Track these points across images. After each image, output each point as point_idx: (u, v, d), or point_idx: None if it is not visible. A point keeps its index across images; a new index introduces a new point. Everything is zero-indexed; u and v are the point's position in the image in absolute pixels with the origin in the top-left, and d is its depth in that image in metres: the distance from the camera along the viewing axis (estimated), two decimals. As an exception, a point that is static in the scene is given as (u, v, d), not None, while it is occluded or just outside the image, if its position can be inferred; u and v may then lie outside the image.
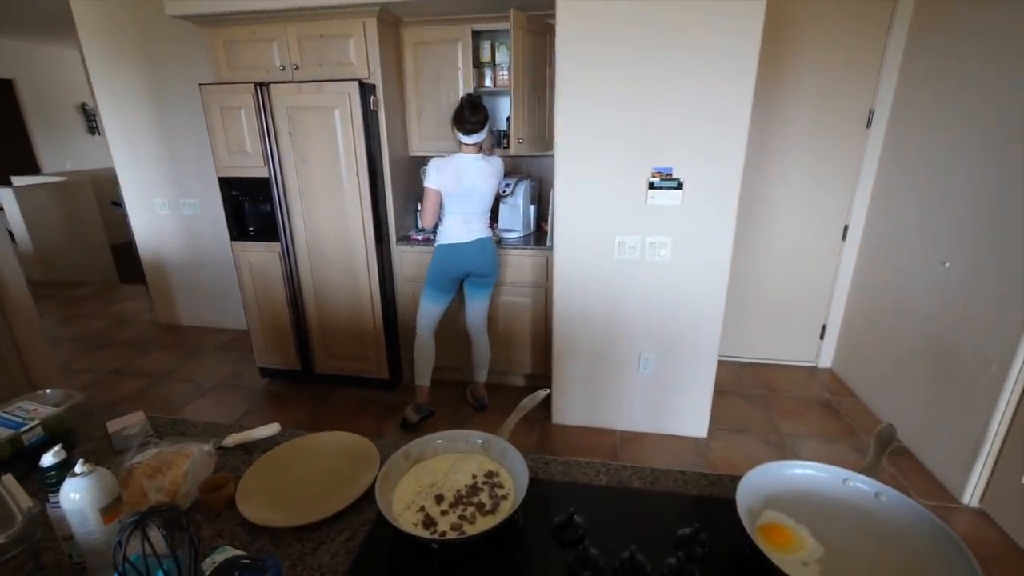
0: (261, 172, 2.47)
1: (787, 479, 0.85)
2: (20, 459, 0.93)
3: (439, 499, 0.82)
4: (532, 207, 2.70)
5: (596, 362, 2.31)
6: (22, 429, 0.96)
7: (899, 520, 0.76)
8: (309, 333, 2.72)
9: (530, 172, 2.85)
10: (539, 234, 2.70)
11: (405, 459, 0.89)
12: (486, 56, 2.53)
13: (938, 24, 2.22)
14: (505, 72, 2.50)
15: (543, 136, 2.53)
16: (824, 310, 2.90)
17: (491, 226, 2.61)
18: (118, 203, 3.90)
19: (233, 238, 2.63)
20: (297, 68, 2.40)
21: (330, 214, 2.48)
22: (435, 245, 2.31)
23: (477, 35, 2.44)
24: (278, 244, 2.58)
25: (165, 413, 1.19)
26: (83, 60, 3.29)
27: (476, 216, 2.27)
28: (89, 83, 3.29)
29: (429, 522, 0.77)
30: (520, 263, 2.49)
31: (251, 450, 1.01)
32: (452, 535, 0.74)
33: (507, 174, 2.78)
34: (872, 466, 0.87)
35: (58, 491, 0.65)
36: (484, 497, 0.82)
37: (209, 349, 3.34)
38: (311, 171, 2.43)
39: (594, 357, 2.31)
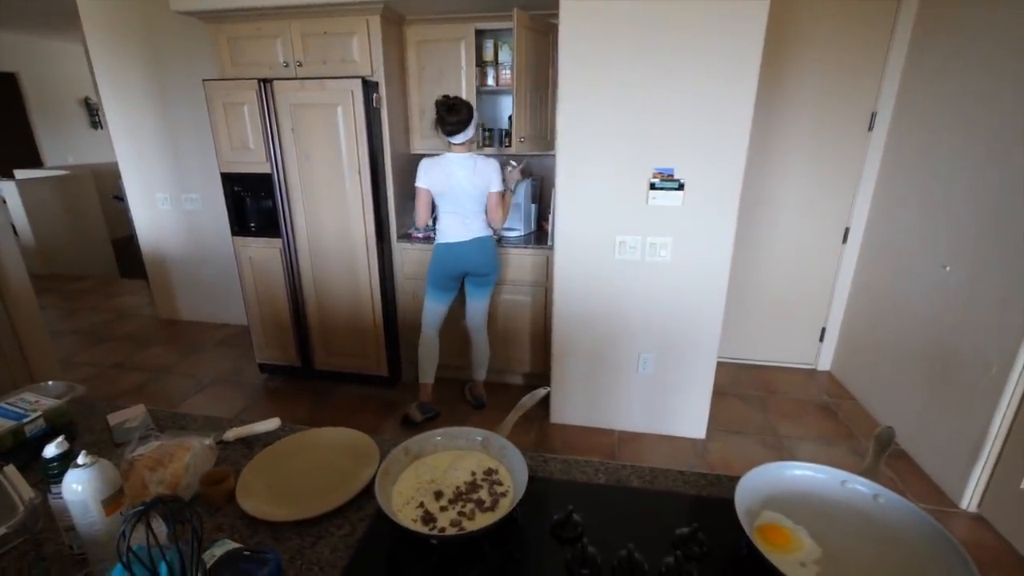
0: (263, 168, 2.47)
1: (786, 480, 0.85)
2: (22, 450, 0.93)
3: (438, 495, 0.82)
4: (533, 206, 2.70)
5: (595, 362, 2.32)
6: (24, 420, 0.96)
7: (897, 523, 0.76)
8: (309, 329, 2.72)
9: (531, 171, 2.85)
10: (540, 233, 2.71)
11: (405, 455, 0.89)
12: (489, 55, 2.53)
13: (941, 27, 2.22)
14: (508, 71, 2.51)
15: (545, 135, 2.54)
16: (824, 312, 2.90)
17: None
18: (119, 197, 3.91)
19: (235, 233, 2.64)
20: (300, 65, 2.40)
21: (331, 211, 2.48)
22: (434, 244, 2.31)
23: (480, 34, 2.44)
24: (279, 240, 2.58)
25: (165, 407, 1.19)
26: (87, 54, 3.29)
27: (471, 215, 2.24)
28: (93, 77, 3.30)
29: (428, 518, 0.77)
30: (520, 262, 2.50)
31: (252, 444, 1.02)
32: (451, 531, 0.75)
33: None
34: (871, 468, 0.87)
35: (60, 482, 0.65)
36: (483, 494, 0.82)
37: (209, 344, 3.34)
38: (313, 168, 2.43)
39: (593, 357, 2.31)
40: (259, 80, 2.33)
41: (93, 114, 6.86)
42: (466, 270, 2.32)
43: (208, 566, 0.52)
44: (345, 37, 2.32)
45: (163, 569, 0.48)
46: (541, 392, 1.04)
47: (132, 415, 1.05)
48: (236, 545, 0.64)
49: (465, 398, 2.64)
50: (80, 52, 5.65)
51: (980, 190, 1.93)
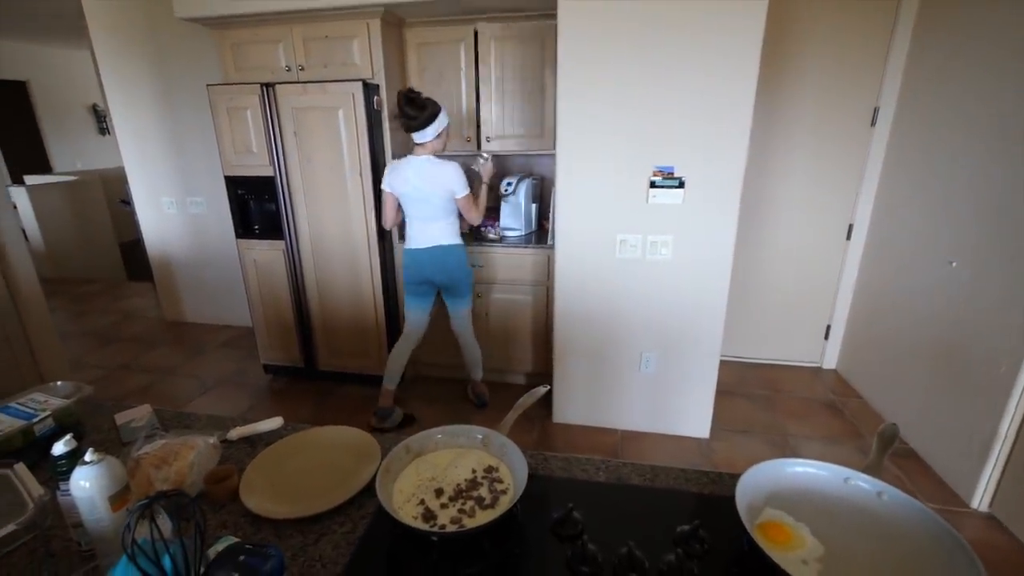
0: (266, 171, 2.49)
1: (787, 477, 0.85)
2: (31, 449, 0.95)
3: (439, 493, 0.82)
4: (534, 205, 2.71)
5: (597, 361, 2.32)
6: (34, 420, 0.97)
7: (902, 520, 0.75)
8: (312, 330, 2.74)
9: (532, 170, 2.86)
10: (540, 232, 2.71)
11: (406, 453, 0.89)
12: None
13: (942, 24, 2.20)
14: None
15: (541, 134, 2.54)
16: (829, 310, 2.88)
17: (486, 226, 2.61)
18: (126, 201, 3.95)
19: (239, 236, 2.66)
20: (302, 69, 2.42)
21: (333, 213, 2.50)
22: None
23: (479, 35, 2.45)
24: (282, 242, 2.60)
25: (171, 408, 1.20)
26: (94, 61, 3.33)
27: (429, 220, 2.17)
28: (100, 83, 3.34)
29: (429, 515, 0.78)
30: (521, 261, 2.50)
31: (255, 443, 1.03)
32: (451, 528, 0.75)
33: (507, 173, 2.80)
34: (874, 465, 0.87)
35: (68, 479, 0.66)
36: (484, 491, 0.83)
37: (213, 345, 3.37)
38: (315, 170, 2.45)
39: (595, 355, 2.31)
40: (262, 84, 2.35)
41: (100, 120, 6.94)
42: (427, 278, 2.26)
43: (211, 560, 0.53)
44: (346, 41, 2.34)
45: (167, 562, 0.49)
46: (541, 390, 1.04)
47: (138, 415, 1.06)
48: (239, 540, 0.64)
49: (468, 397, 2.65)
50: (87, 59, 5.70)
51: (983, 187, 1.92)
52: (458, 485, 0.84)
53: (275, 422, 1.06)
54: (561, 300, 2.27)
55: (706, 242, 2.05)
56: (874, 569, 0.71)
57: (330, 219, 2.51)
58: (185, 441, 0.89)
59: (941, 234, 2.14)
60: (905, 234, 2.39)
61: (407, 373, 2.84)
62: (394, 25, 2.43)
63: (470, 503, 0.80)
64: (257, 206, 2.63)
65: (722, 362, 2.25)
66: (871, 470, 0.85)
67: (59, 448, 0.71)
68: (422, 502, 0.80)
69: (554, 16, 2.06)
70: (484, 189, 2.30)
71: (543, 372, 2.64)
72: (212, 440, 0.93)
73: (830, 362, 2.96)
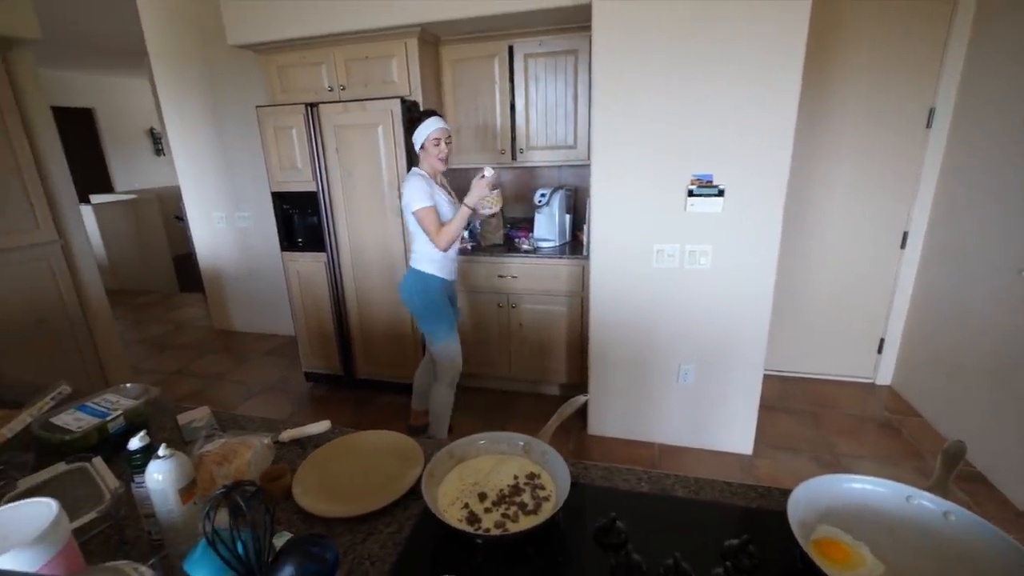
0: (310, 186, 2.61)
1: (843, 493, 0.82)
2: (105, 445, 1.02)
3: (482, 497, 0.83)
4: (568, 216, 2.71)
5: (634, 371, 2.28)
6: (107, 418, 1.05)
7: (971, 542, 0.71)
8: (351, 340, 2.82)
9: (565, 182, 2.87)
10: (575, 243, 2.71)
11: (449, 458, 0.91)
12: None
13: (1004, 17, 2.09)
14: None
15: (575, 145, 2.56)
16: (882, 322, 2.74)
17: (519, 237, 2.63)
18: (180, 217, 4.21)
19: (283, 248, 2.78)
20: (343, 88, 2.54)
21: (372, 226, 2.58)
22: None
23: (514, 50, 2.51)
24: (324, 254, 2.70)
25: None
26: (153, 88, 3.59)
27: (413, 241, 2.02)
28: (158, 108, 3.59)
29: (473, 518, 0.79)
30: (555, 272, 2.50)
31: (304, 445, 1.07)
32: (496, 532, 0.76)
33: (542, 184, 2.82)
34: (939, 484, 0.82)
35: (143, 472, 0.71)
36: (526, 497, 0.83)
37: (259, 353, 3.51)
38: (355, 185, 2.54)
39: (632, 366, 2.28)
40: (306, 104, 2.47)
41: (156, 142, 7.45)
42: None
43: (279, 547, 0.56)
44: (385, 60, 2.44)
45: (240, 547, 0.52)
46: (581, 399, 1.04)
47: (198, 416, 1.13)
48: (293, 535, 0.67)
49: (488, 408, 2.62)
50: (146, 87, 6.16)
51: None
52: (501, 490, 0.85)
53: (323, 425, 1.10)
54: (596, 310, 2.26)
55: (748, 251, 2.01)
56: (941, 591, 0.67)
57: (368, 232, 2.60)
58: (243, 441, 0.94)
59: (1009, 241, 2.01)
60: (968, 241, 2.25)
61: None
62: (430, 43, 2.51)
63: (513, 508, 0.81)
64: (300, 220, 2.75)
65: (765, 376, 2.17)
66: (936, 489, 0.80)
67: (135, 443, 0.76)
68: (466, 506, 0.82)
69: (588, 28, 2.09)
70: (463, 212, 1.87)
71: (577, 383, 2.62)
72: (267, 441, 0.97)
73: (884, 378, 2.81)
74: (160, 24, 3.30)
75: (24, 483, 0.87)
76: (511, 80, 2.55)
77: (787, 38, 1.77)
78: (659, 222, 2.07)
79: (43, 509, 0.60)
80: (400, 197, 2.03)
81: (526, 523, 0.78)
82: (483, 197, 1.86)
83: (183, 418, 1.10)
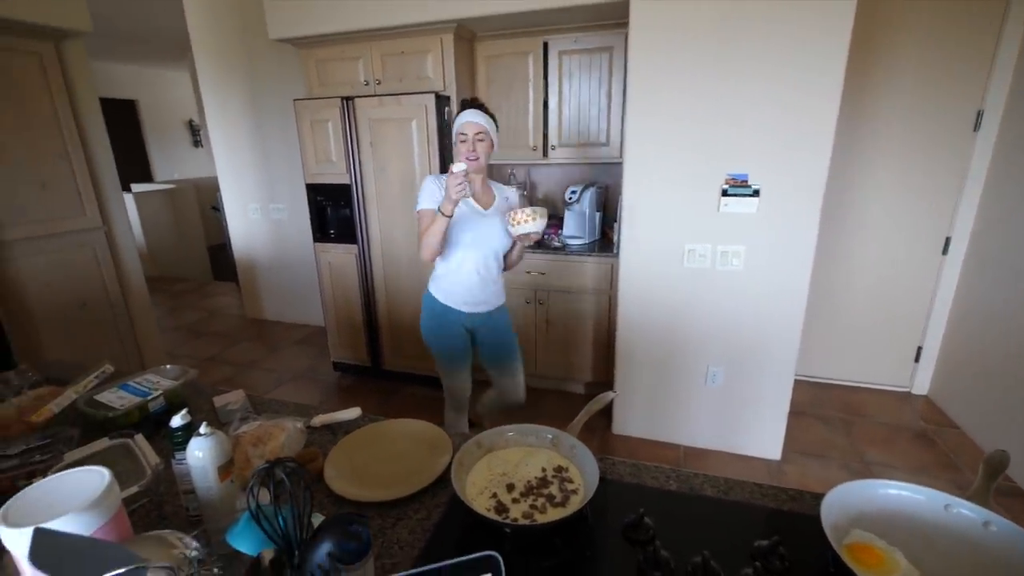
0: (343, 179, 2.66)
1: (878, 499, 0.80)
2: (146, 422, 1.07)
3: (510, 488, 0.84)
4: (598, 214, 2.69)
5: (661, 371, 2.25)
6: (148, 397, 1.10)
7: (1013, 553, 0.68)
8: (379, 331, 2.87)
9: (596, 179, 2.85)
10: (604, 241, 2.69)
11: (477, 448, 0.92)
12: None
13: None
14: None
15: (608, 143, 2.54)
16: (920, 330, 2.63)
17: (548, 235, 2.61)
18: (216, 208, 4.35)
19: (316, 240, 2.85)
20: (379, 83, 2.57)
21: (403, 219, 2.61)
22: None
23: (548, 47, 2.50)
24: (355, 246, 2.75)
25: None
26: (194, 80, 3.72)
27: None
28: (199, 101, 3.72)
29: (501, 508, 0.79)
30: (583, 269, 2.49)
31: (335, 431, 1.09)
32: (524, 522, 0.77)
33: (573, 181, 2.81)
34: (979, 493, 0.79)
35: (184, 449, 0.74)
36: (554, 490, 0.83)
37: (289, 343, 3.61)
38: (388, 179, 2.58)
39: (659, 366, 2.25)
40: (342, 98, 2.52)
41: (195, 134, 7.71)
42: None
43: (316, 525, 0.57)
44: (420, 55, 2.46)
45: (281, 522, 0.54)
46: (609, 395, 1.04)
47: (233, 399, 1.17)
48: (325, 518, 0.69)
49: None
50: (186, 79, 6.38)
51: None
52: (529, 482, 0.85)
53: (354, 412, 1.13)
54: (625, 309, 2.23)
55: (782, 253, 1.95)
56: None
57: (400, 225, 2.63)
58: (277, 423, 0.97)
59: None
60: (1016, 249, 2.14)
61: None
62: (466, 39, 2.52)
63: (541, 500, 0.81)
64: (333, 212, 2.81)
65: (796, 381, 2.12)
66: (976, 499, 0.78)
67: (176, 421, 0.79)
68: (494, 495, 0.82)
69: (623, 25, 2.06)
70: (441, 221, 1.51)
71: (603, 382, 2.60)
72: (300, 425, 1.00)
73: (921, 387, 2.70)
74: (204, 19, 3.41)
75: (70, 456, 0.92)
76: (545, 77, 2.55)
77: (829, 40, 1.71)
78: (691, 221, 2.03)
79: (96, 477, 0.63)
80: None
81: (554, 515, 0.78)
82: (459, 197, 1.46)
83: (219, 400, 1.14)
